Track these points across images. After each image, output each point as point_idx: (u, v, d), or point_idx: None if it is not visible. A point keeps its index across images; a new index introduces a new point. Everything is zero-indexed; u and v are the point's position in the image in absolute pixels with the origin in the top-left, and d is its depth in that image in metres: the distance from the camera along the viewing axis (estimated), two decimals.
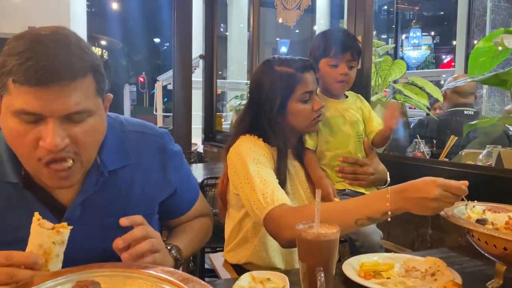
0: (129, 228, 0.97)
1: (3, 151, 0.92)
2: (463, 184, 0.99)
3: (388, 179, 1.55)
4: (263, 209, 1.18)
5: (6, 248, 0.74)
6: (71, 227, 0.78)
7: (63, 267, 0.78)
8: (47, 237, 0.75)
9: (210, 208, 1.28)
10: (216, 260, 1.56)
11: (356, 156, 1.51)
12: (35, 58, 0.77)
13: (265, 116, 1.38)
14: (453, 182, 0.99)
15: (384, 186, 1.53)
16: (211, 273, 1.89)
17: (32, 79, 0.76)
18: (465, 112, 2.85)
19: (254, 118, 1.41)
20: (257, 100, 1.40)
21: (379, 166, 1.53)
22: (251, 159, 1.29)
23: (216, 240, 2.62)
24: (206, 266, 2.68)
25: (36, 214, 0.77)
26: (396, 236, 1.98)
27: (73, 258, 0.79)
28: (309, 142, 1.51)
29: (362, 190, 1.52)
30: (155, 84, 12.78)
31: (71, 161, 0.84)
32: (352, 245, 1.47)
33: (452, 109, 2.87)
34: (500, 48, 1.58)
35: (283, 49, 13.23)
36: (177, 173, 1.13)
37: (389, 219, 1.06)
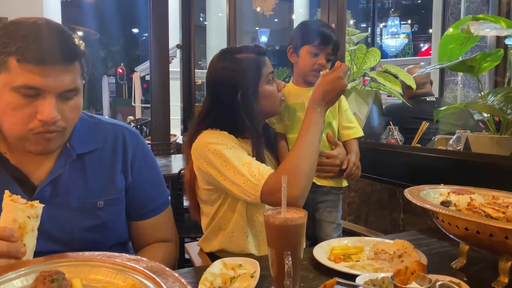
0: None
1: None
2: (338, 64, 1.32)
3: None
4: (257, 186, 1.20)
5: None
6: (43, 205, 0.80)
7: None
8: (21, 211, 0.76)
9: (177, 234, 1.26)
10: (192, 249, 1.56)
11: None
12: (39, 42, 0.89)
13: (235, 108, 1.34)
14: (336, 65, 1.33)
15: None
16: (189, 263, 1.90)
17: (38, 59, 0.88)
18: (428, 99, 2.87)
19: (221, 112, 1.37)
20: (224, 93, 1.36)
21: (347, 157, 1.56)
22: (223, 146, 1.28)
23: (195, 231, 2.64)
24: (187, 256, 2.68)
25: (7, 191, 0.78)
26: (370, 222, 2.02)
27: (41, 237, 0.81)
28: (278, 126, 1.56)
29: (330, 182, 1.56)
30: (133, 75, 12.59)
31: (57, 133, 0.96)
32: None
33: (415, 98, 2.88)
34: (471, 32, 1.58)
35: (263, 39, 13.18)
36: (142, 166, 1.17)
37: None
